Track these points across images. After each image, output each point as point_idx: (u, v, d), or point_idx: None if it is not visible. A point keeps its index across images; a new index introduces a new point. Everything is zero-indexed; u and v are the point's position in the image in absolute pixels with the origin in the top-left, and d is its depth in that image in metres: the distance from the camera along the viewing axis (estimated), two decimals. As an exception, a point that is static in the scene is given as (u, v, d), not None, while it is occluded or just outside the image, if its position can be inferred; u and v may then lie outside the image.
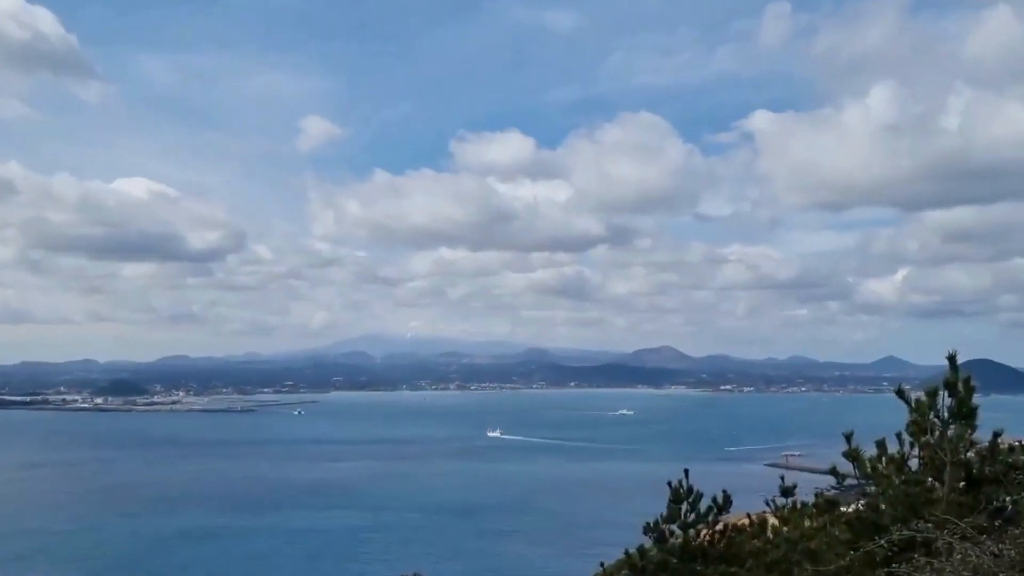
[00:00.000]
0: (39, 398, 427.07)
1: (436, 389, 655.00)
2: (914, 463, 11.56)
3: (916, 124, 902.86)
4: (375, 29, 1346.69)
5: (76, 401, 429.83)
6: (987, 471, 11.25)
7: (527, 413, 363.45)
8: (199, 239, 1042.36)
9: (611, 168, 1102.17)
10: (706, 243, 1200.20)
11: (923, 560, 9.08)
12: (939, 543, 9.09)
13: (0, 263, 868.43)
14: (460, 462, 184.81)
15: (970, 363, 12.42)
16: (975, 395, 11.47)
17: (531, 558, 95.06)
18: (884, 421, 12.38)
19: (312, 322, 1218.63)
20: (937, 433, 11.23)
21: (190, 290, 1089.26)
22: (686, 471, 14.22)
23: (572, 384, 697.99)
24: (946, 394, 11.23)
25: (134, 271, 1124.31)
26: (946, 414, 11.24)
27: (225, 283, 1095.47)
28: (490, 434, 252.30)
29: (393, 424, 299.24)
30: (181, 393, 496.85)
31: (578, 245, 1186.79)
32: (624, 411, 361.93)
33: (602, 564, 17.64)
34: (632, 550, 14.58)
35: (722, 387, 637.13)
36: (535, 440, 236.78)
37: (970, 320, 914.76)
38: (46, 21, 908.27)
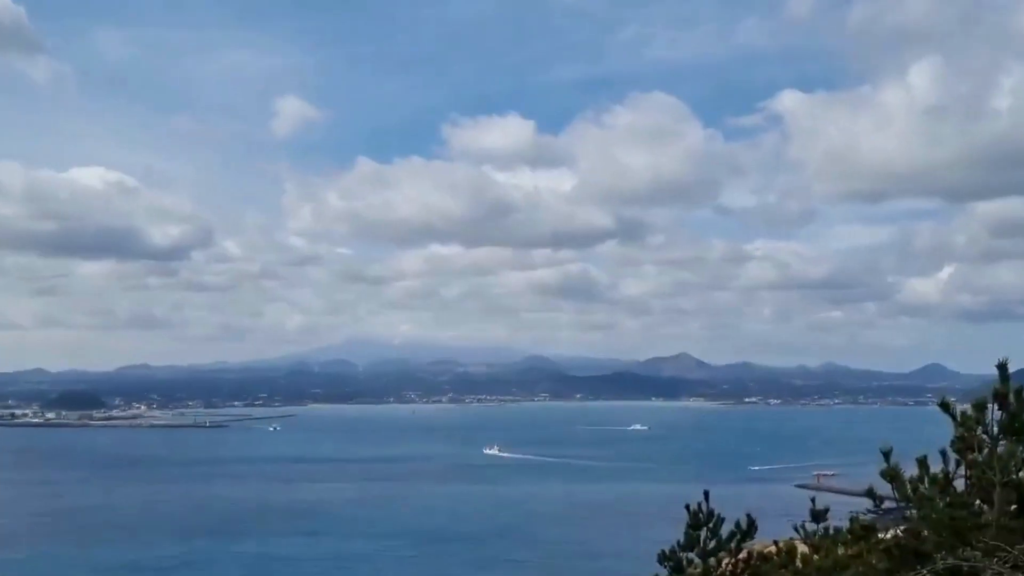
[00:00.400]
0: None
1: (427, 401, 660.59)
2: (960, 484, 11.52)
3: (962, 105, 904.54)
4: (358, 1, 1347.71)
5: (25, 415, 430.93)
6: (1042, 493, 11.22)
7: (529, 428, 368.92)
8: (162, 234, 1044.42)
9: (621, 155, 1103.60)
10: (728, 239, 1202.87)
11: (970, 592, 9.05)
12: (988, 573, 9.07)
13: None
14: (453, 483, 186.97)
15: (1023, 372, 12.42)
16: (1028, 408, 11.42)
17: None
18: (927, 437, 12.38)
19: (288, 327, 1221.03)
20: (986, 450, 11.21)
21: (152, 291, 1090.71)
22: (706, 493, 14.25)
23: (578, 396, 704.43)
24: (996, 407, 11.20)
25: (90, 270, 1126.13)
26: (996, 429, 11.22)
27: (191, 283, 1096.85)
28: (487, 451, 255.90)
29: (379, 440, 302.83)
30: (142, 406, 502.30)
31: (584, 241, 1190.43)
32: (637, 426, 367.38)
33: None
34: (646, 581, 14.56)
35: (746, 399, 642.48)
36: (537, 458, 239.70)
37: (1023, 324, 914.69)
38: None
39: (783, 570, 14.12)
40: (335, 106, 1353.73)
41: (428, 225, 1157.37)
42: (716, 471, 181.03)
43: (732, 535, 14.32)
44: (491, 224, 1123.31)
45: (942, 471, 11.66)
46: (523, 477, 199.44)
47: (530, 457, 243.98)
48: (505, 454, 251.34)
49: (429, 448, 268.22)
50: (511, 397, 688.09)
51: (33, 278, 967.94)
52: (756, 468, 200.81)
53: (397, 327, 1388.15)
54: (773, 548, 14.94)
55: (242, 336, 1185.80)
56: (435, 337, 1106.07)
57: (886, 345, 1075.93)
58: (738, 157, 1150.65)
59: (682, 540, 14.31)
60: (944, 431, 11.58)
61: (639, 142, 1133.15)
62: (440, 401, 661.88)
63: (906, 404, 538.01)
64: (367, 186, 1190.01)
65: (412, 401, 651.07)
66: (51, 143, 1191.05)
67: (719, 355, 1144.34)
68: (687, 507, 14.43)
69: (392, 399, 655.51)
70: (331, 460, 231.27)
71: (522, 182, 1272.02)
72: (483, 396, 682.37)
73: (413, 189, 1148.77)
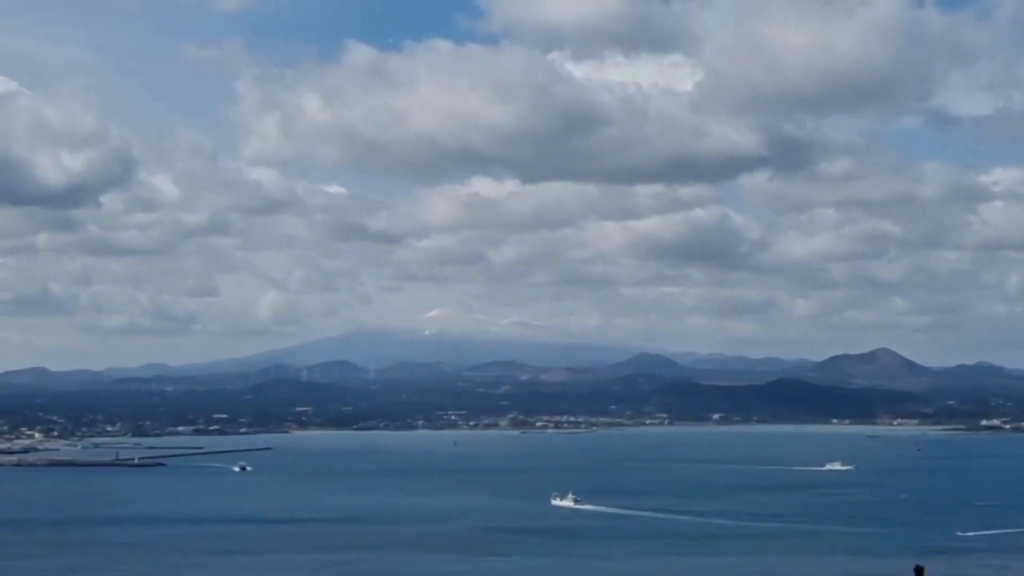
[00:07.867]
0: None
1: (475, 425, 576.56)
2: None
3: None
4: None
5: None
6: None
7: (629, 467, 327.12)
8: (54, 166, 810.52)
9: (772, 33, 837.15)
10: (951, 164, 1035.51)
11: None
12: None
13: None
14: (496, 559, 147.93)
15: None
16: None
17: None
18: None
19: (257, 311, 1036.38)
20: None
21: (41, 255, 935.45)
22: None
23: (715, 416, 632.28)
24: None
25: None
26: None
27: (100, 243, 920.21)
28: (556, 503, 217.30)
29: (394, 487, 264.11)
30: (36, 434, 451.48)
31: (719, 171, 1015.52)
32: (836, 465, 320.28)
33: None
34: None
35: (984, 422, 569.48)
36: (643, 514, 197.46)
37: None
38: None
39: None
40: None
41: (465, 148, 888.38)
42: (910, 537, 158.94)
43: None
44: (566, 146, 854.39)
45: None
46: (613, 549, 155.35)
47: (630, 512, 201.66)
48: (585, 507, 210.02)
49: (465, 500, 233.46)
50: (607, 419, 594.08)
51: None
52: (970, 535, 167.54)
53: (424, 311, 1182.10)
54: None
55: (186, 327, 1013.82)
56: (484, 326, 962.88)
57: None
58: (962, 34, 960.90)
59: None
60: None
61: (800, 11, 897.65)
62: (496, 425, 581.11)
63: None
64: (365, 86, 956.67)
65: (451, 424, 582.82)
66: None
67: (941, 353, 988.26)
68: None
69: (420, 422, 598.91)
70: (316, 520, 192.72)
71: (614, 77, 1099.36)
72: (563, 417, 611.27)
73: (437, 90, 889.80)
